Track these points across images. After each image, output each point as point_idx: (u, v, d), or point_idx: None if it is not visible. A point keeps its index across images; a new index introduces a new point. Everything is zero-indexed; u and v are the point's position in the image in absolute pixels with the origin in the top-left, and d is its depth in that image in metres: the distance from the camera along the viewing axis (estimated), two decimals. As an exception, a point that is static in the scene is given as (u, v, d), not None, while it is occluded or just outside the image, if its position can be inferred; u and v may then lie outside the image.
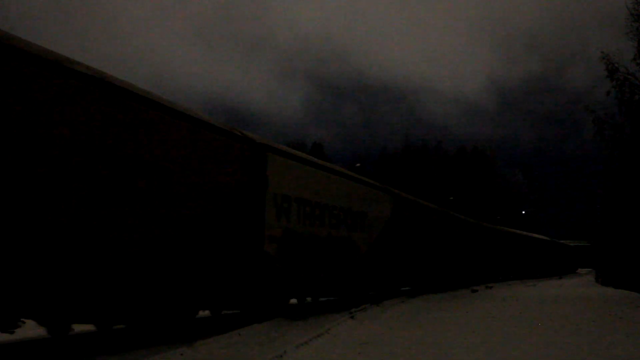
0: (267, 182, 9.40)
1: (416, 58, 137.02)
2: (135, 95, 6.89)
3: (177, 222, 7.40)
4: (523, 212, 65.26)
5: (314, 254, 10.91)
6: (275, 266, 9.57)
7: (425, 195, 30.41)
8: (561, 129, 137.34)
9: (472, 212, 37.10)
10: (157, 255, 7.11)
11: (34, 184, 5.49)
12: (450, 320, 10.83)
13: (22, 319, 5.80)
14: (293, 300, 12.18)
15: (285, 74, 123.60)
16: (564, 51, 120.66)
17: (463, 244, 23.36)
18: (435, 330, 9.23)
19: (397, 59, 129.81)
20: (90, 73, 6.29)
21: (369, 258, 13.54)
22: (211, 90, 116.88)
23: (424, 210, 18.77)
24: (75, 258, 5.97)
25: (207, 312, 9.75)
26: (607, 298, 17.68)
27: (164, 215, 7.19)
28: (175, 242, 7.39)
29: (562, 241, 57.28)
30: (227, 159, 8.55)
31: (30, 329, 7.08)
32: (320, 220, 11.21)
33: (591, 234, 47.37)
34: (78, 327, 7.23)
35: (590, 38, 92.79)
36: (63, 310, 6.16)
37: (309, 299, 12.64)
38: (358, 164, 41.53)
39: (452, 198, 47.47)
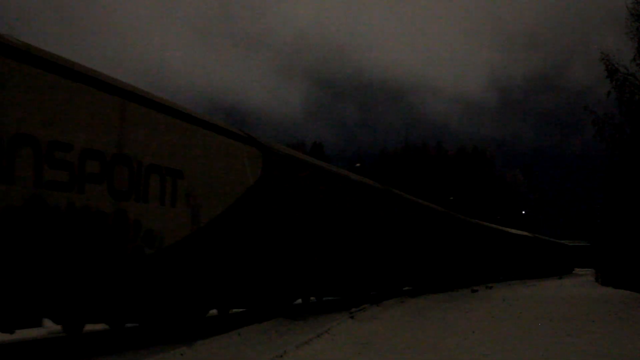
0: None
1: (416, 57, 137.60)
2: None
3: None
4: (523, 212, 65.35)
5: None
6: None
7: (425, 195, 30.38)
8: (561, 129, 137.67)
9: (472, 212, 37.08)
10: None
11: None
12: (450, 320, 10.83)
13: None
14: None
15: (284, 73, 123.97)
16: (564, 50, 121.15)
17: (440, 237, 20.47)
18: (435, 330, 9.23)
19: (396, 58, 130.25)
20: None
21: (188, 253, 7.68)
22: (210, 89, 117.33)
23: (331, 180, 12.34)
24: None
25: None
26: (607, 298, 17.68)
27: None
28: None
29: (562, 241, 57.36)
30: None
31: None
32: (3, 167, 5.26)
33: (591, 234, 47.40)
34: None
35: (590, 37, 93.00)
36: None
37: None
38: (358, 164, 41.57)
39: (452, 198, 47.50)
